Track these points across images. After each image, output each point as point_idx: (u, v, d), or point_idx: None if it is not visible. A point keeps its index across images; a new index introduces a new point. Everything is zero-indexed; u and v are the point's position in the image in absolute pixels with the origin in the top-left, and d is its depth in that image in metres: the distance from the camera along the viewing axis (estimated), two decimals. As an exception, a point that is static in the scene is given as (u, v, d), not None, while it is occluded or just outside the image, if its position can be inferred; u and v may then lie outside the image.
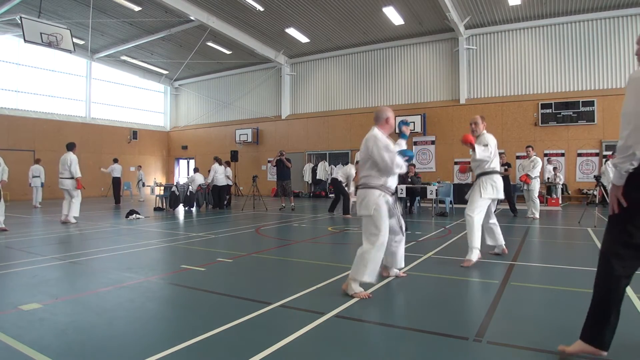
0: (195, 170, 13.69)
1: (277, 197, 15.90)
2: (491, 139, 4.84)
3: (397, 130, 4.10)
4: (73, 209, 8.89)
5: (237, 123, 21.85)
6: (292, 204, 12.21)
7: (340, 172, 10.86)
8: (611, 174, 10.23)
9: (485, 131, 4.97)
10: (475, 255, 4.62)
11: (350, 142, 18.52)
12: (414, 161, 16.45)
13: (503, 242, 5.12)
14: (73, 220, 8.79)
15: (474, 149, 4.63)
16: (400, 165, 3.46)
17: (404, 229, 3.81)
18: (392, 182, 3.59)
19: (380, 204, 3.41)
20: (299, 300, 3.24)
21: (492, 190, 4.78)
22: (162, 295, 3.61)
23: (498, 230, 5.13)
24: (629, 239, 2.02)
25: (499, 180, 4.84)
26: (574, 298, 3.37)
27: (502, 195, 4.89)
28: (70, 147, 9.24)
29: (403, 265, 3.98)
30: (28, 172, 14.53)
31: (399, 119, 17.29)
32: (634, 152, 1.91)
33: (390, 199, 3.54)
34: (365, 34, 17.09)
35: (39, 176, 14.20)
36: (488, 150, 4.65)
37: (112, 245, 6.00)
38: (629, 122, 1.93)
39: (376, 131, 3.54)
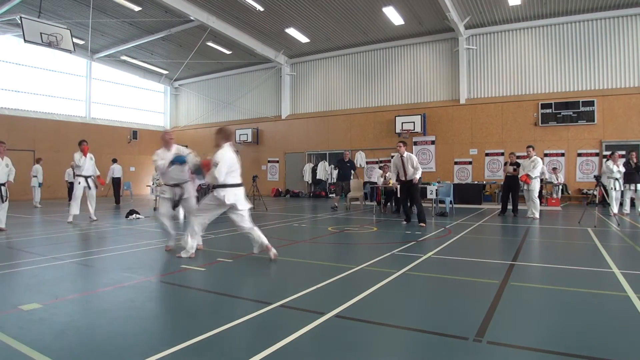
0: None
1: (276, 197, 15.90)
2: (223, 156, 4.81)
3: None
4: (70, 208, 8.93)
5: (237, 123, 21.84)
6: (347, 203, 12.59)
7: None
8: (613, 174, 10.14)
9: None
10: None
11: (350, 142, 18.52)
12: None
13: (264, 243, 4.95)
14: (70, 219, 8.78)
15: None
16: (158, 170, 5.55)
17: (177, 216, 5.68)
18: (168, 179, 5.50)
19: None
20: (299, 300, 3.24)
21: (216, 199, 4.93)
22: (162, 295, 3.61)
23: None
24: None
25: (225, 191, 4.85)
26: (574, 298, 3.37)
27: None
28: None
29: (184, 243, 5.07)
30: (29, 172, 14.46)
31: (399, 119, 17.39)
32: None
33: (168, 190, 5.53)
34: (365, 34, 17.09)
35: (36, 176, 14.04)
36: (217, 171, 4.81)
37: (112, 245, 6.00)
38: None
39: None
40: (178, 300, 3.42)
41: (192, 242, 5.03)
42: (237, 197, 4.84)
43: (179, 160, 5.33)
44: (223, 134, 4.95)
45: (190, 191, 5.61)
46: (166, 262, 5.00)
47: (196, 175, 5.42)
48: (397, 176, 8.56)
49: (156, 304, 3.32)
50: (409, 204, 8.73)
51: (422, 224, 8.10)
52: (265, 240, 4.92)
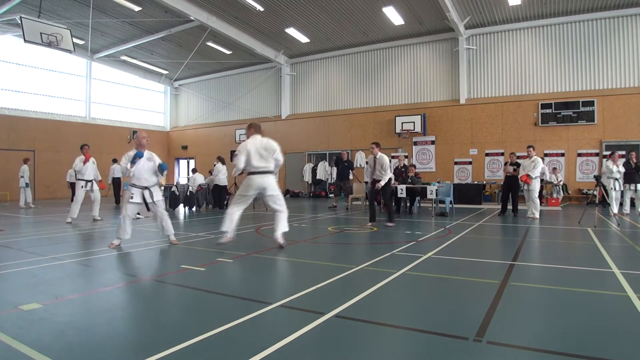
0: (194, 171, 13.69)
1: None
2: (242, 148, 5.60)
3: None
4: (70, 209, 8.93)
5: (237, 123, 21.84)
6: (347, 203, 12.57)
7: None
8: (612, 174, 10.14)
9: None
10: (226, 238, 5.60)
11: (350, 142, 18.52)
12: (414, 161, 16.45)
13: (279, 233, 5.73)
14: (68, 220, 8.78)
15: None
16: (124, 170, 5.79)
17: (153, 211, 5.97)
18: (140, 181, 5.75)
19: (128, 194, 5.77)
20: (299, 300, 3.24)
21: (245, 188, 5.65)
22: (162, 295, 3.61)
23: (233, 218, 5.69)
24: None
25: (249, 180, 5.63)
26: (574, 298, 3.37)
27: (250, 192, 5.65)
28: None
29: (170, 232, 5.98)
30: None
31: (399, 119, 17.37)
32: None
33: (137, 193, 5.74)
34: (365, 34, 17.09)
35: (23, 176, 13.70)
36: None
37: (112, 245, 5.99)
38: None
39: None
40: (178, 300, 3.42)
41: (229, 225, 5.54)
42: (257, 183, 5.54)
43: (139, 155, 5.67)
44: (248, 129, 5.80)
45: (159, 195, 5.96)
46: (166, 262, 5.00)
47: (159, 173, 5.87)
48: (371, 175, 8.45)
49: (156, 304, 3.32)
50: (375, 204, 8.62)
51: (389, 224, 7.98)
52: (284, 227, 5.74)
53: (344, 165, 12.55)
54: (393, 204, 8.46)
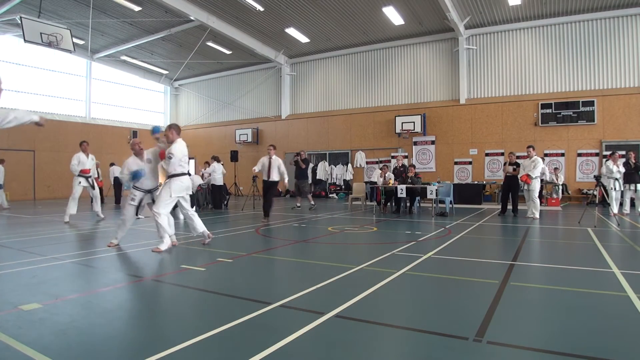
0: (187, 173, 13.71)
1: (276, 197, 15.99)
2: (176, 149, 5.58)
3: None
4: (67, 206, 8.91)
5: (237, 123, 21.85)
6: (312, 202, 12.39)
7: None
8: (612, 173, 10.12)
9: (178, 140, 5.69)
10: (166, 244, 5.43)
11: (350, 142, 18.52)
12: (414, 161, 16.47)
13: (198, 232, 5.93)
14: (66, 219, 8.76)
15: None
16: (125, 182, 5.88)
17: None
18: (143, 184, 5.77)
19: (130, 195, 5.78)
20: (299, 300, 3.24)
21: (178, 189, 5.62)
22: (162, 295, 3.61)
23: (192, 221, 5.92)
24: None
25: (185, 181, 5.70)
26: (574, 298, 3.37)
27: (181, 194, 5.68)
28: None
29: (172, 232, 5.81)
30: (29, 172, 14.18)
31: (399, 119, 17.36)
32: None
33: (145, 197, 5.83)
34: (365, 34, 17.09)
35: None
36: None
37: (112, 245, 5.99)
38: None
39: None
40: (178, 300, 3.42)
41: (166, 234, 5.48)
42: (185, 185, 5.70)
43: (141, 175, 5.72)
44: (176, 129, 5.79)
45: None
46: (166, 262, 5.00)
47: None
48: (266, 174, 9.18)
49: (156, 304, 3.32)
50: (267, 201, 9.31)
51: (264, 219, 8.87)
52: (202, 228, 5.89)
53: (302, 165, 12.44)
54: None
